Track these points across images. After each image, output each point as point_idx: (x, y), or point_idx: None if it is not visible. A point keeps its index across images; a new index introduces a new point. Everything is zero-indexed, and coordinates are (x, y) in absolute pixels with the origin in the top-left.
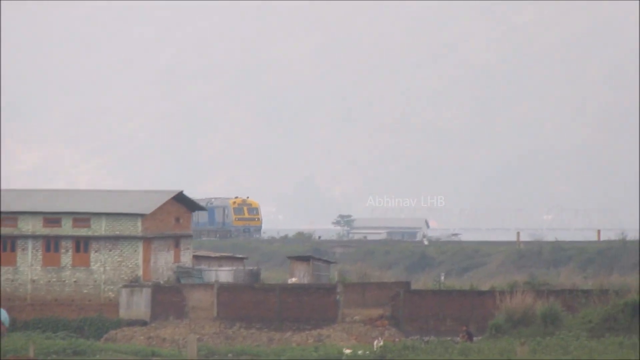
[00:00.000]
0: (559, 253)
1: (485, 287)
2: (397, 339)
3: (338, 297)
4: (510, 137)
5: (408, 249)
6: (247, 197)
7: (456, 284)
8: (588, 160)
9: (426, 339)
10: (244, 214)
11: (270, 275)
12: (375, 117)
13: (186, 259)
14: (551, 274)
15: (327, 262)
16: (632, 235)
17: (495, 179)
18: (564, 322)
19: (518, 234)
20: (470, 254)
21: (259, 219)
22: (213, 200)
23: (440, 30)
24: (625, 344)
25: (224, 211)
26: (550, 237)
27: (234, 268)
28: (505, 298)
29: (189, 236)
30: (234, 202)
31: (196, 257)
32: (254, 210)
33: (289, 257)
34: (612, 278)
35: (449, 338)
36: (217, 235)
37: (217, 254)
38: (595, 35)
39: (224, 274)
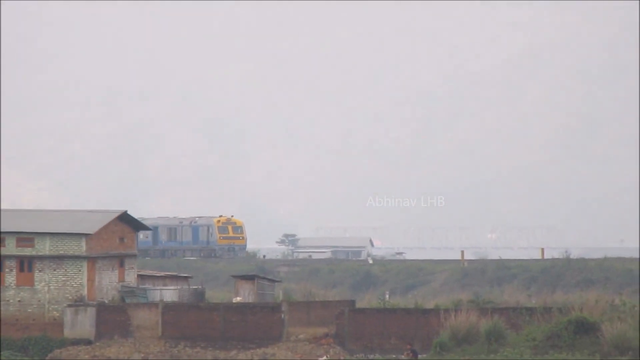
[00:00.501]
0: (503, 271)
1: (429, 305)
2: (341, 357)
3: (283, 315)
4: (454, 156)
5: (353, 268)
6: (232, 216)
7: (401, 302)
8: (532, 180)
9: (371, 357)
10: (228, 233)
11: (215, 294)
12: (318, 137)
13: (131, 278)
14: (495, 292)
15: (272, 281)
16: (575, 254)
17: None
18: (508, 340)
19: (462, 252)
20: (414, 273)
21: (243, 237)
22: (197, 219)
23: (383, 51)
24: None
25: (208, 230)
26: (494, 256)
27: (179, 287)
28: (450, 316)
29: (134, 255)
30: (219, 221)
31: (141, 277)
32: (238, 228)
33: (234, 276)
34: (555, 296)
35: (393, 356)
36: (202, 254)
37: (162, 273)
38: (533, 57)
39: (169, 293)
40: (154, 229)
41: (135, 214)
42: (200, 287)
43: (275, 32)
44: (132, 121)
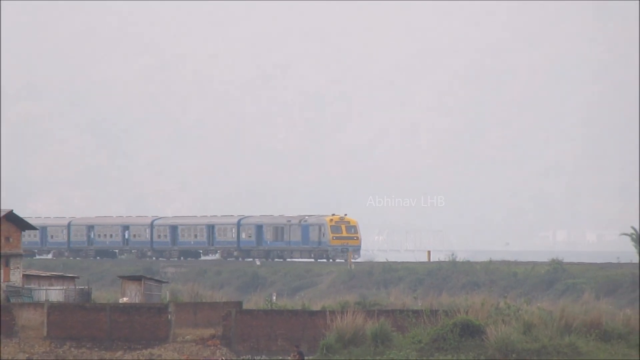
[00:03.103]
0: (389, 273)
1: (316, 307)
2: (227, 359)
3: (170, 316)
4: (341, 158)
5: (240, 269)
6: (345, 215)
7: (288, 304)
8: (418, 183)
9: (257, 358)
10: (341, 233)
11: (101, 295)
12: (206, 137)
13: (16, 278)
14: (382, 294)
15: (159, 281)
16: (461, 256)
17: (325, 199)
18: (394, 342)
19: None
20: (301, 274)
21: (357, 237)
22: (307, 217)
23: (271, 51)
24: None
25: (319, 229)
26: (381, 258)
27: (65, 287)
28: (336, 318)
29: (19, 255)
30: (331, 220)
31: (26, 276)
32: (352, 228)
33: (120, 277)
34: (441, 298)
35: (280, 357)
36: (312, 255)
37: (48, 273)
38: (425, 58)
39: (55, 293)
40: (257, 228)
41: (20, 213)
42: (86, 287)
43: (166, 32)
44: (16, 119)
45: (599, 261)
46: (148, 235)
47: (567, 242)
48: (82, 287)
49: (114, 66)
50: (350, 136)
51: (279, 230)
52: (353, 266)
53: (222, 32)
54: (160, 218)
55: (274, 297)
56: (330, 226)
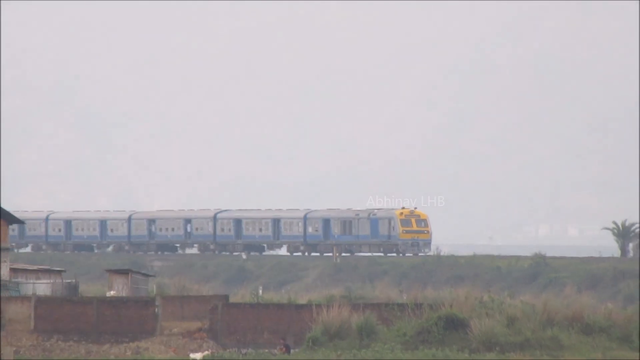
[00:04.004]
0: (374, 267)
1: (302, 300)
2: (215, 352)
3: (156, 310)
4: (327, 152)
5: (226, 263)
6: (415, 208)
7: (274, 298)
8: (400, 176)
9: (244, 351)
10: (412, 226)
11: (88, 289)
12: (190, 131)
13: (3, 271)
14: (367, 288)
15: (146, 275)
16: (445, 250)
17: (307, 193)
18: (379, 335)
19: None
20: (287, 268)
21: (428, 231)
22: (376, 210)
23: (258, 48)
24: (437, 356)
25: (389, 223)
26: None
27: (52, 281)
28: (322, 311)
29: (6, 249)
30: (401, 213)
31: (13, 270)
32: (422, 222)
33: (108, 270)
34: (426, 292)
35: (266, 350)
36: (381, 249)
37: (35, 267)
38: (406, 54)
39: (42, 287)
40: (325, 221)
41: (6, 206)
42: (73, 280)
43: (147, 28)
44: (2, 113)
45: (580, 255)
46: (211, 229)
47: (550, 236)
48: (70, 280)
49: (101, 61)
50: (334, 131)
51: (347, 224)
52: (338, 260)
53: (207, 29)
54: (224, 211)
55: (261, 291)
56: (400, 220)
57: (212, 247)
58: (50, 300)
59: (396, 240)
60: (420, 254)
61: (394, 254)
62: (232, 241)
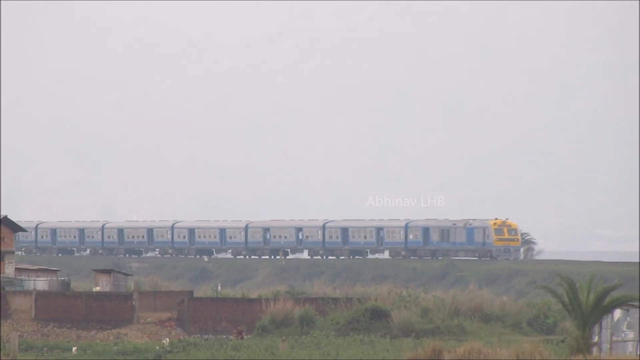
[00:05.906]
0: (313, 268)
1: (254, 295)
2: (181, 337)
3: (134, 303)
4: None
5: (191, 264)
6: (507, 219)
7: (230, 293)
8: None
9: (206, 337)
10: (504, 235)
11: (78, 285)
12: (160, 151)
13: (10, 270)
14: (307, 285)
15: (125, 274)
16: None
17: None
18: (317, 324)
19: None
20: (241, 269)
21: (518, 239)
22: (471, 221)
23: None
24: (364, 341)
25: (484, 231)
26: (306, 255)
27: (49, 278)
28: (270, 304)
29: (12, 252)
30: (495, 223)
31: (18, 269)
32: (513, 231)
33: (94, 270)
34: (355, 288)
35: (224, 336)
36: (476, 254)
37: (36, 267)
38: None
39: (41, 283)
40: (424, 230)
41: (14, 218)
42: (66, 278)
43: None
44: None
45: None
46: (320, 236)
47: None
48: (63, 278)
49: (89, 99)
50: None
51: (445, 232)
52: (284, 262)
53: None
54: (332, 221)
55: (219, 287)
56: (494, 229)
57: (321, 252)
58: (48, 294)
59: (490, 247)
60: (510, 259)
61: (487, 258)
62: (339, 247)
